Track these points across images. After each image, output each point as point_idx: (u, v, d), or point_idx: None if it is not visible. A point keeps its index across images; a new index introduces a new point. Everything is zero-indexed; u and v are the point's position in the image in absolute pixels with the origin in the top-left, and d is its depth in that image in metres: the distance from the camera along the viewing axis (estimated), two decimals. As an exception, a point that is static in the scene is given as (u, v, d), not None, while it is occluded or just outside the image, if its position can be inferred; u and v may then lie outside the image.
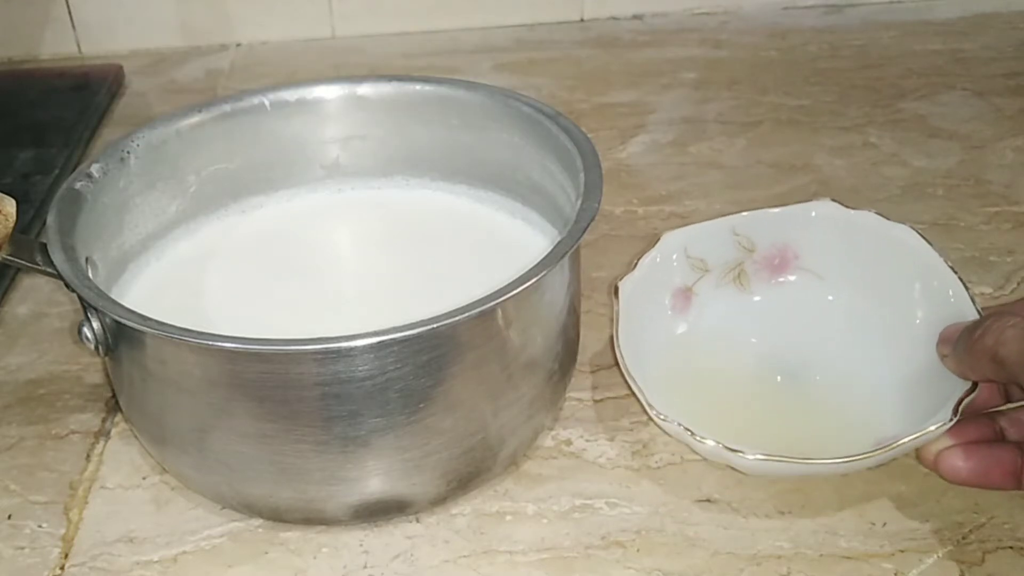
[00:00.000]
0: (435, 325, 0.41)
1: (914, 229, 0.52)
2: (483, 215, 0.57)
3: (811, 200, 0.54)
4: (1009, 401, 0.46)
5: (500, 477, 0.49)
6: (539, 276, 0.43)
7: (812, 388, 0.51)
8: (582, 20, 0.94)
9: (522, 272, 0.43)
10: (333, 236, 0.58)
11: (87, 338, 0.45)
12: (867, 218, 0.53)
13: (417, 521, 0.47)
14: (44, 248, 0.46)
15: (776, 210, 0.54)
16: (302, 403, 0.42)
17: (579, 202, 0.47)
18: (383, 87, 0.57)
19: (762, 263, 0.54)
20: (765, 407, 0.50)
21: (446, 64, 0.88)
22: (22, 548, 0.47)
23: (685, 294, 0.53)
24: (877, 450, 0.43)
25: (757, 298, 0.54)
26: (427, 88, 0.56)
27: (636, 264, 0.51)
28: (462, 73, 0.85)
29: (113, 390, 0.52)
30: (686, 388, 0.50)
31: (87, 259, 0.48)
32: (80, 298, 0.44)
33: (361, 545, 0.46)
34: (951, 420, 0.43)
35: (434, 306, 0.41)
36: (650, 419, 0.47)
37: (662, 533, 0.46)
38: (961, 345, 0.43)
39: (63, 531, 0.48)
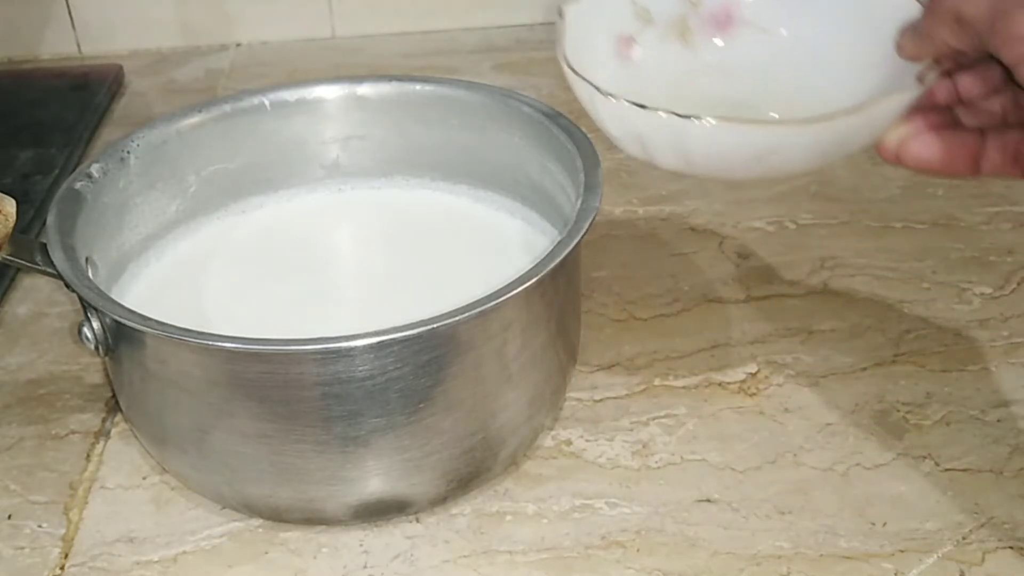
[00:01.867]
0: (435, 325, 0.41)
1: None
2: (483, 215, 0.57)
3: None
4: (961, 97, 0.42)
5: (500, 477, 0.49)
6: (539, 276, 0.43)
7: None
8: (582, 20, 0.94)
9: (522, 272, 0.43)
10: (333, 236, 0.58)
11: (87, 338, 0.45)
12: None
13: (417, 521, 0.47)
14: (44, 248, 0.46)
15: None
16: (302, 403, 0.42)
17: (579, 202, 0.47)
18: (383, 87, 0.57)
19: (707, 18, 0.50)
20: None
21: (446, 64, 0.88)
22: (22, 548, 0.47)
23: (627, 42, 0.49)
24: (844, 111, 0.38)
25: (702, 53, 0.50)
26: (427, 88, 0.56)
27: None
28: (462, 73, 0.85)
29: (113, 390, 0.52)
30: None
31: (87, 259, 0.48)
32: (80, 298, 0.44)
33: (361, 545, 0.46)
34: (916, 89, 0.39)
35: (434, 306, 0.41)
36: (596, 117, 0.43)
37: (662, 533, 0.46)
38: (921, 18, 0.40)
39: (63, 531, 0.48)
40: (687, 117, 0.38)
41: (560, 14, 0.46)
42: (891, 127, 0.41)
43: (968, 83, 0.42)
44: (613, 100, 0.40)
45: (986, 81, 0.41)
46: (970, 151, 0.41)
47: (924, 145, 0.41)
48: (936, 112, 0.42)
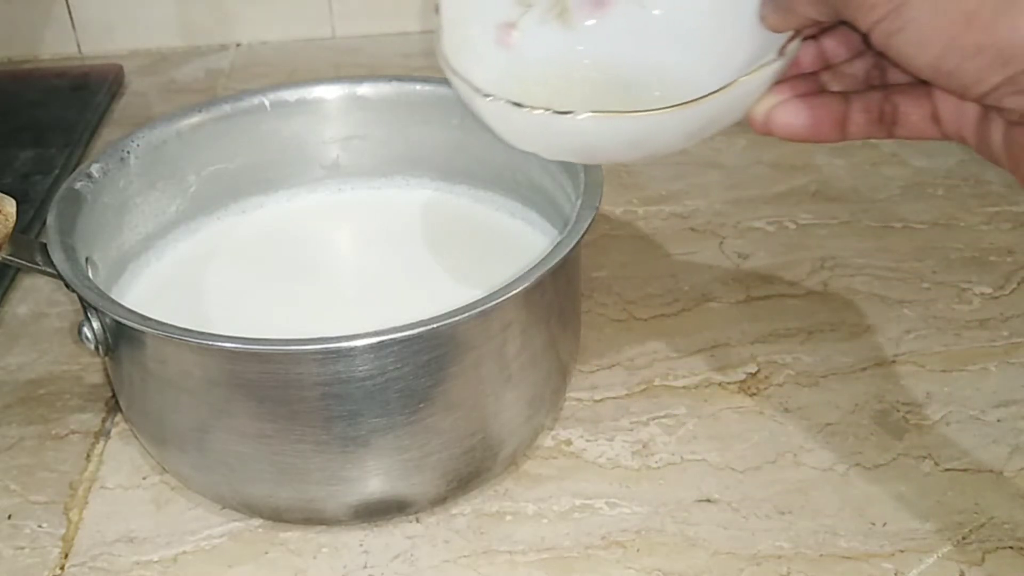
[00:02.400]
0: (435, 325, 0.41)
1: None
2: (483, 215, 0.57)
3: None
4: (828, 61, 0.43)
5: (500, 477, 0.49)
6: (539, 276, 0.43)
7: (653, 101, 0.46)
8: (582, 20, 0.94)
9: (522, 272, 0.43)
10: (333, 236, 0.58)
11: (87, 338, 0.45)
12: None
13: (417, 521, 0.47)
14: (44, 248, 0.46)
15: None
16: (302, 403, 0.42)
17: (579, 202, 0.47)
18: (383, 87, 0.57)
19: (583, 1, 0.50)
20: (604, 100, 0.47)
21: (446, 64, 0.88)
22: (22, 548, 0.47)
23: (508, 29, 0.49)
24: (709, 95, 0.39)
25: (582, 32, 0.50)
26: (427, 88, 0.56)
27: None
28: (462, 73, 0.85)
29: (113, 390, 0.52)
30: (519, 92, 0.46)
31: (87, 259, 0.48)
32: (80, 298, 0.44)
33: (361, 545, 0.46)
34: (777, 60, 0.40)
35: (434, 306, 0.41)
36: (478, 115, 0.43)
37: (662, 533, 0.46)
38: None
39: (63, 531, 0.48)
40: (563, 113, 0.39)
41: (436, 8, 0.46)
42: (759, 100, 0.41)
43: (832, 47, 0.42)
44: (491, 100, 0.41)
45: (848, 45, 0.42)
46: (836, 115, 0.41)
47: (790, 113, 0.41)
48: (802, 79, 0.42)
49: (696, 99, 0.39)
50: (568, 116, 0.39)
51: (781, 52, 0.40)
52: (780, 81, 0.41)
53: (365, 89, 0.57)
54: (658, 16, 0.49)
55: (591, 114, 0.39)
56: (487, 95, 0.41)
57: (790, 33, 0.40)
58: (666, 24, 0.49)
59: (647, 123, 0.40)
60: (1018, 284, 0.60)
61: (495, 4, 0.49)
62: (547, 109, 0.39)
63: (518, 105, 0.40)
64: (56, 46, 0.92)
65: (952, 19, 0.32)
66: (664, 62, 0.48)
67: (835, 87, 0.42)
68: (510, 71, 0.48)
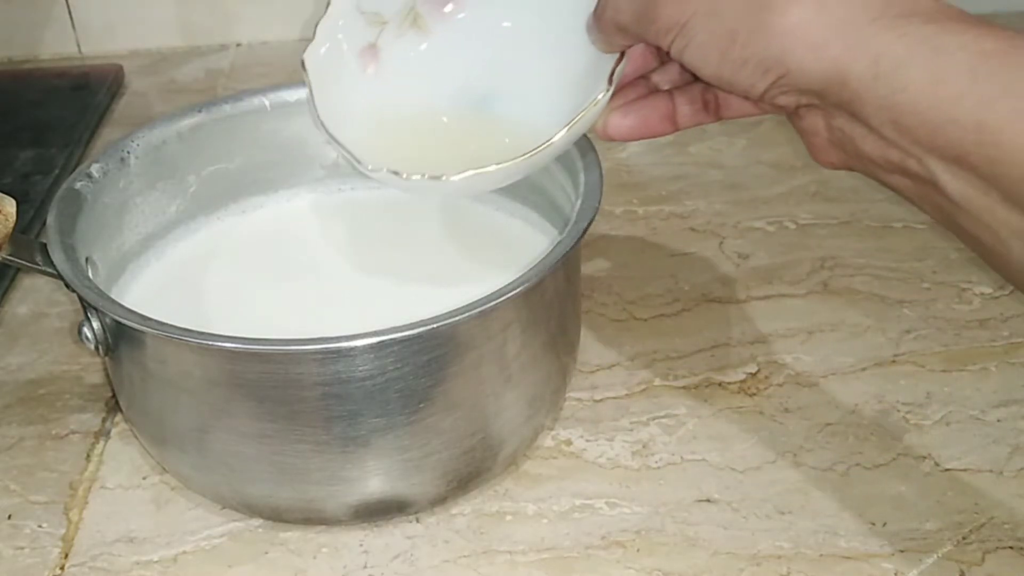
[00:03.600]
0: (435, 325, 0.41)
1: None
2: (483, 215, 0.57)
3: None
4: (663, 59, 0.46)
5: (500, 477, 0.49)
6: (539, 276, 0.43)
7: (509, 115, 0.51)
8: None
9: (522, 272, 0.43)
10: (333, 236, 0.58)
11: (87, 338, 0.45)
12: None
13: (417, 521, 0.47)
14: (44, 248, 0.46)
15: None
16: (302, 403, 0.42)
17: (579, 202, 0.47)
18: (383, 87, 0.57)
19: (431, 1, 0.52)
20: (464, 142, 0.50)
21: (446, 64, 0.88)
22: (22, 548, 0.47)
23: (371, 51, 0.51)
24: (549, 143, 0.43)
25: (438, 37, 0.52)
26: (427, 88, 0.56)
27: (315, 32, 0.50)
28: (462, 73, 0.85)
29: (113, 390, 0.52)
30: (391, 138, 0.50)
31: (87, 259, 0.48)
32: (80, 298, 0.44)
33: (361, 545, 0.46)
34: (608, 89, 0.43)
35: (434, 306, 0.41)
36: (363, 174, 0.47)
37: (662, 533, 0.46)
38: (591, 23, 0.44)
39: (63, 531, 0.48)
40: (437, 178, 0.44)
41: (303, 66, 0.49)
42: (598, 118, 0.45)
43: (649, 56, 0.46)
44: (373, 171, 0.46)
45: (659, 54, 0.46)
46: (665, 111, 0.45)
47: (622, 118, 0.45)
48: (632, 87, 0.46)
49: (543, 146, 0.44)
50: (441, 180, 0.44)
51: (610, 80, 0.44)
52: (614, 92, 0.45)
53: (365, 89, 0.57)
54: (508, 28, 0.52)
55: (459, 177, 0.44)
56: (371, 168, 0.46)
57: (617, 56, 0.44)
58: (513, 37, 0.52)
59: (507, 172, 0.44)
60: (1018, 284, 0.60)
61: (353, 33, 0.51)
62: (422, 175, 0.45)
63: (396, 173, 0.45)
64: (56, 46, 0.92)
65: (720, 37, 0.37)
66: (519, 63, 0.51)
67: (664, 84, 0.46)
68: (381, 96, 0.51)
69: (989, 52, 0.33)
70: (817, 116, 0.38)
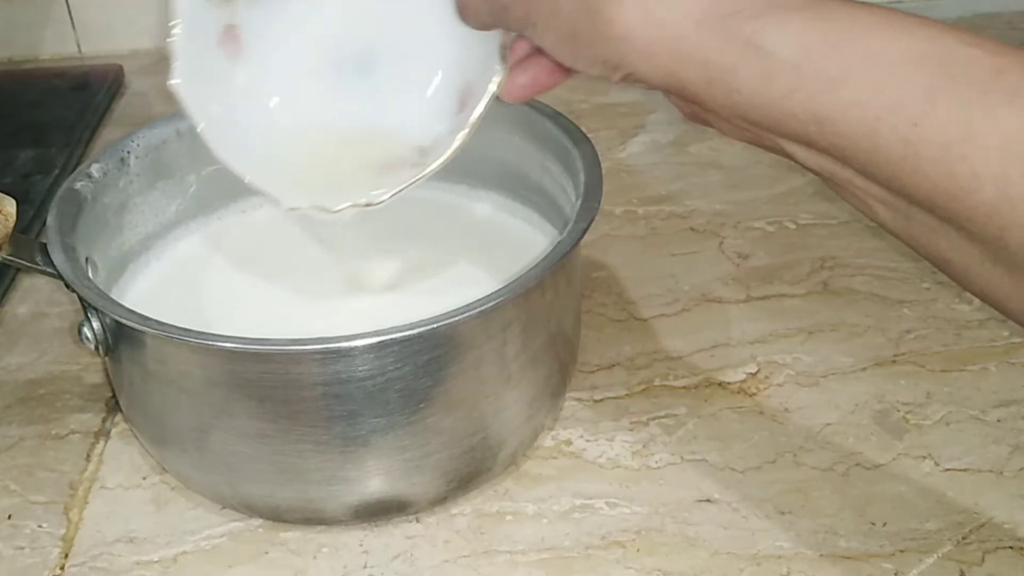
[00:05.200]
0: (435, 325, 0.41)
1: None
2: (483, 215, 0.57)
3: None
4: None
5: (500, 477, 0.49)
6: (539, 276, 0.43)
7: (395, 80, 0.49)
8: (582, 20, 0.94)
9: (522, 272, 0.43)
10: (333, 236, 0.58)
11: (87, 338, 0.45)
12: None
13: (417, 521, 0.47)
14: (44, 248, 0.46)
15: None
16: (302, 403, 0.42)
17: (579, 202, 0.47)
18: (383, 87, 0.57)
19: None
20: (365, 140, 0.49)
21: (446, 64, 0.88)
22: (22, 548, 0.47)
23: (231, 34, 0.47)
24: (450, 145, 0.44)
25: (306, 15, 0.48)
26: (427, 88, 0.56)
27: (170, 43, 0.46)
28: (462, 73, 0.85)
29: (113, 390, 0.52)
30: (292, 154, 0.48)
31: (87, 259, 0.48)
32: (80, 298, 0.44)
33: (361, 545, 0.46)
34: (502, 70, 0.43)
35: (434, 306, 0.41)
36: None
37: (662, 533, 0.46)
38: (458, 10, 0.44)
39: (63, 531, 0.48)
40: (334, 212, 0.45)
41: (174, 91, 0.45)
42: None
43: None
44: (289, 208, 0.46)
45: None
46: (550, 64, 0.43)
47: (514, 80, 0.44)
48: (517, 42, 0.45)
49: (453, 150, 0.44)
50: (372, 204, 0.45)
51: (502, 59, 0.43)
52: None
53: (365, 89, 0.57)
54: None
55: (387, 196, 0.45)
56: (291, 207, 0.46)
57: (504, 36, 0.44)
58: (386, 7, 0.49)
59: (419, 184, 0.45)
60: (1018, 284, 0.60)
61: (205, 23, 0.47)
62: (320, 207, 0.45)
63: (294, 208, 0.46)
64: (56, 46, 0.92)
65: (566, 37, 0.38)
66: (400, 27, 0.48)
67: None
68: (253, 77, 0.48)
69: (814, 43, 0.33)
70: (676, 98, 0.38)
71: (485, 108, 0.44)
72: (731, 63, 0.34)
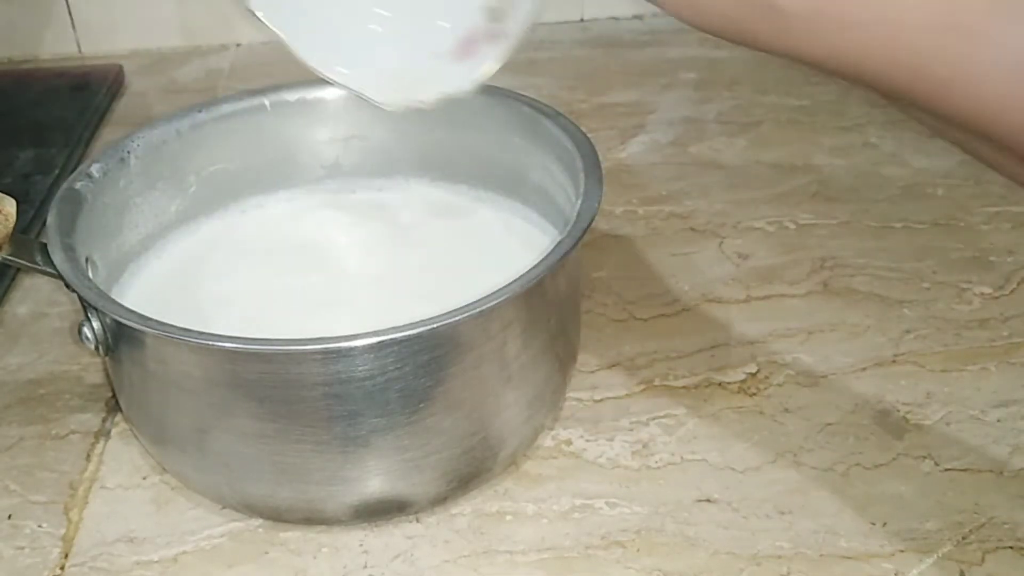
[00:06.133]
0: (435, 325, 0.41)
1: None
2: (483, 215, 0.57)
3: None
4: None
5: (500, 477, 0.49)
6: (539, 276, 0.43)
7: None
8: (582, 20, 0.94)
9: (522, 272, 0.43)
10: (333, 236, 0.58)
11: (87, 338, 0.45)
12: None
13: (417, 521, 0.47)
14: (44, 248, 0.46)
15: None
16: (302, 403, 0.42)
17: (579, 202, 0.47)
18: (383, 87, 0.57)
19: None
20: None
21: (446, 64, 0.88)
22: (22, 548, 0.47)
23: None
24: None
25: None
26: (427, 88, 0.56)
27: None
28: (462, 73, 0.85)
29: (113, 390, 0.52)
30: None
31: (87, 259, 0.48)
32: (80, 298, 0.44)
33: (361, 545, 0.46)
34: None
35: (434, 306, 0.41)
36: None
37: (662, 533, 0.46)
38: None
39: (63, 531, 0.48)
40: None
41: (250, 12, 0.46)
42: None
43: None
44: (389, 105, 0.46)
45: None
46: None
47: None
48: None
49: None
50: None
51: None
52: None
53: (365, 89, 0.57)
54: None
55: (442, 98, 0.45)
56: (381, 103, 0.46)
57: None
58: None
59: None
60: (1018, 284, 0.60)
61: None
62: (414, 101, 0.45)
63: (386, 105, 0.46)
64: (56, 46, 0.92)
65: None
66: None
67: None
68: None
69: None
70: None
71: None
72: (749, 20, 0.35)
